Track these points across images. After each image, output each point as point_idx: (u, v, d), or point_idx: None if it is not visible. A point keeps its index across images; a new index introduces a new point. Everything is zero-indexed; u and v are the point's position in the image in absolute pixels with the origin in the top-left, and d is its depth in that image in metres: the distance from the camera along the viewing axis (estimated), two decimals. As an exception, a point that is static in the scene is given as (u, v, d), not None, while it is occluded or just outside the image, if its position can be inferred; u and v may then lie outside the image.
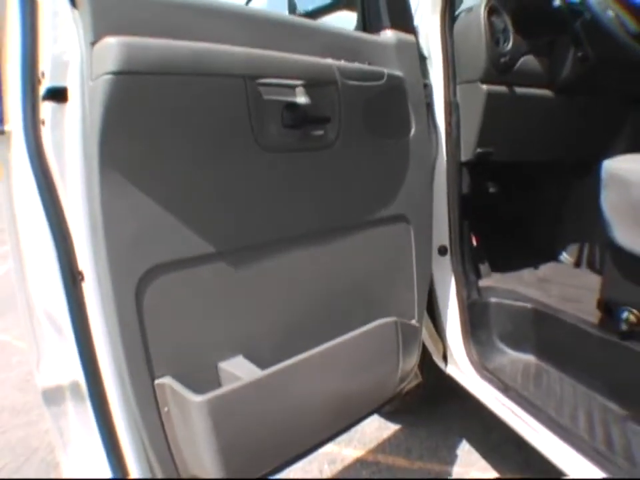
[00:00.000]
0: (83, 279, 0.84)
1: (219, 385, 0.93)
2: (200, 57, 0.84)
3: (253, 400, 0.90)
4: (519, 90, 1.46)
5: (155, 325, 0.86)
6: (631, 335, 1.16)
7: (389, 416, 1.96)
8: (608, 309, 1.23)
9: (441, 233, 1.43)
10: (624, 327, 1.16)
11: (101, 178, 0.78)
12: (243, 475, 0.92)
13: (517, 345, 1.45)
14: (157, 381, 0.88)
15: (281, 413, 0.94)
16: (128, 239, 0.82)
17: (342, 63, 1.08)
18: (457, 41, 1.42)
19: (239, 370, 0.93)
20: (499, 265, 1.72)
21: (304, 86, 1.04)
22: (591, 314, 1.34)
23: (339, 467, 1.74)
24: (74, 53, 0.79)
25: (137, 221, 0.82)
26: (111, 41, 0.76)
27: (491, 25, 1.38)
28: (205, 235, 0.89)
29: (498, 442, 1.79)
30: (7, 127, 0.87)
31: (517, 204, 1.93)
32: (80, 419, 0.97)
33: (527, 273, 1.72)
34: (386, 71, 1.16)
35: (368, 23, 1.29)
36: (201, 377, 0.92)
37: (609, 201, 1.14)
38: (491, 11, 1.39)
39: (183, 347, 0.91)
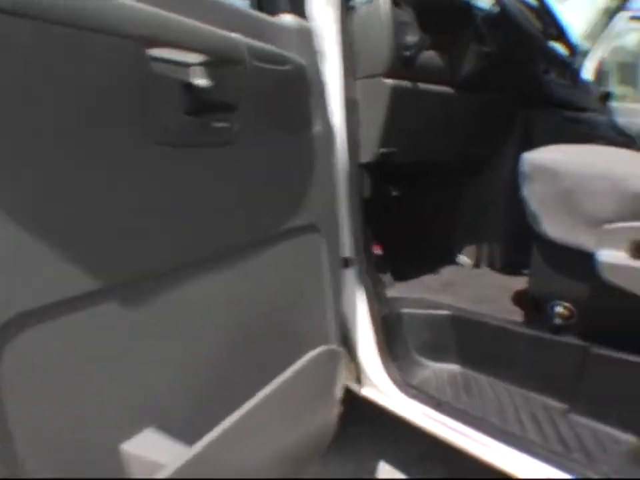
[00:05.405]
0: None
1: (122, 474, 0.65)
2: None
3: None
4: (422, 86, 1.40)
5: (18, 401, 0.56)
6: (564, 328, 1.15)
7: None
8: (536, 305, 1.21)
9: (344, 244, 1.29)
10: (557, 321, 1.14)
11: None
12: None
13: (438, 356, 1.37)
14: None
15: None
16: None
17: (248, 39, 0.89)
18: (356, 34, 1.32)
19: (152, 451, 0.65)
20: (399, 274, 1.64)
21: (205, 64, 0.83)
22: (512, 312, 1.32)
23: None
24: None
25: None
26: None
27: (394, 17, 1.30)
28: (81, 268, 0.60)
29: (416, 458, 1.71)
30: None
31: (414, 208, 1.88)
32: None
33: (429, 279, 1.67)
34: (289, 55, 0.99)
35: (264, 3, 1.11)
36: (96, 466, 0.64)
37: (535, 194, 1.11)
38: (393, 3, 1.31)
39: (64, 431, 0.62)
